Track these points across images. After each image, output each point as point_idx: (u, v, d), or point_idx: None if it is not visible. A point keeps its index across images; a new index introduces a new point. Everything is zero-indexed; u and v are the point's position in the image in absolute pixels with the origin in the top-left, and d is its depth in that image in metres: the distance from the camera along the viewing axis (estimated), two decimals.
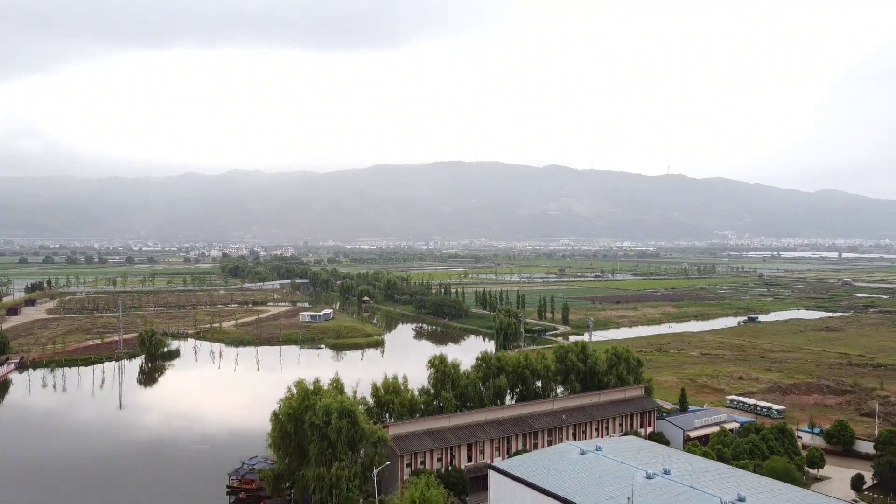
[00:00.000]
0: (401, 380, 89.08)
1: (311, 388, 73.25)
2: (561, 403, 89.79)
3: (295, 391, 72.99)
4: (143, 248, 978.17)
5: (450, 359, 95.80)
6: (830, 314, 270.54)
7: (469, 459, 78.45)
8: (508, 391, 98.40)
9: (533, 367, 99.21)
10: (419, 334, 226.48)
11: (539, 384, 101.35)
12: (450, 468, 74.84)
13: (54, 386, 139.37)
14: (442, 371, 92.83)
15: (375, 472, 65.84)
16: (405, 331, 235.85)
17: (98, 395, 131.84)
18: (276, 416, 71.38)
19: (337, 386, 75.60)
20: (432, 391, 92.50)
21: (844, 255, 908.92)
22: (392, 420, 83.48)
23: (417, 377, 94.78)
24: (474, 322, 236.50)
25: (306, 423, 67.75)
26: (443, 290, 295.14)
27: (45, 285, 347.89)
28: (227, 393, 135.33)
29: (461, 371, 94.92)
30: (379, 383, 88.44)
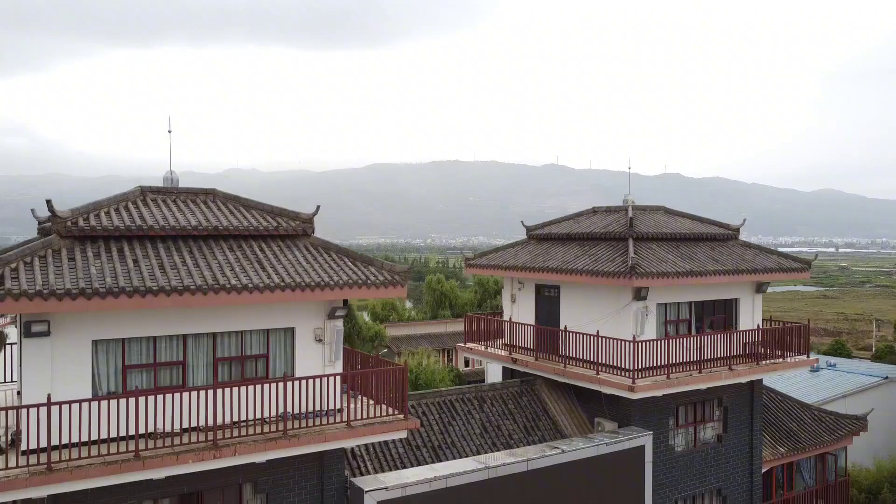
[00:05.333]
0: (397, 301, 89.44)
1: None
2: None
3: None
4: None
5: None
6: (828, 288, 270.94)
7: (466, 364, 78.36)
8: None
9: None
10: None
11: None
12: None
13: None
14: (439, 291, 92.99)
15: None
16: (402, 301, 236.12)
17: None
18: None
19: None
20: (429, 313, 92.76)
21: (841, 249, 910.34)
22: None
23: None
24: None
25: None
26: (440, 265, 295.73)
27: None
28: None
29: (458, 293, 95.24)
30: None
